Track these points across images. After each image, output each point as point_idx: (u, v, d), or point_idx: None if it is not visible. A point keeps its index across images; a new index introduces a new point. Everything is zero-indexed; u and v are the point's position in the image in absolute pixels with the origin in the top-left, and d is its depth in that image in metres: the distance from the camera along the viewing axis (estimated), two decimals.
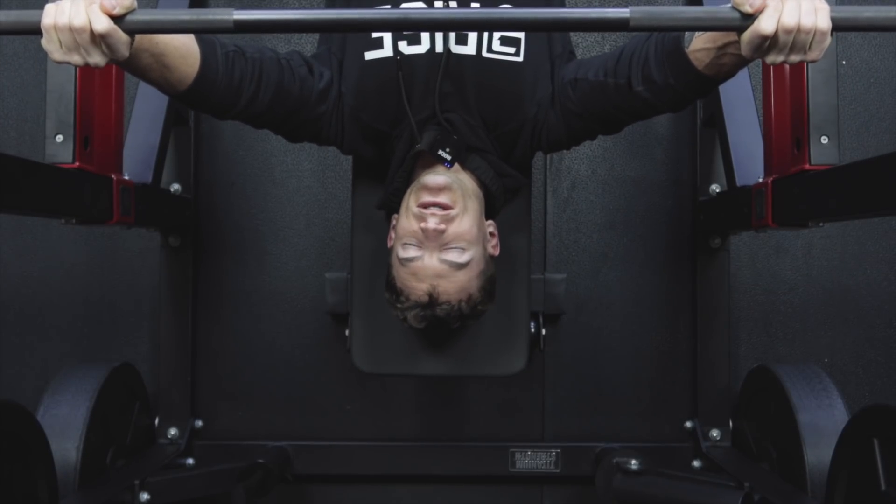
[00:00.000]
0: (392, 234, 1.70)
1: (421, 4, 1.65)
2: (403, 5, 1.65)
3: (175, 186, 2.35)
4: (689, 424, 2.37)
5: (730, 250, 2.33)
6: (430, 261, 1.59)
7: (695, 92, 1.53)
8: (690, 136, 2.41)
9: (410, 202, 1.62)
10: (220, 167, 2.45)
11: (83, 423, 1.95)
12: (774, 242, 2.43)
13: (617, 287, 2.44)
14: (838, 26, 1.26)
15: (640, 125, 2.37)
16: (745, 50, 1.27)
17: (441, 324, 1.65)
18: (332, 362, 2.41)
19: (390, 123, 1.69)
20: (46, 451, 1.76)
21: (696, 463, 2.32)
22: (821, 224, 1.71)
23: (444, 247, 1.59)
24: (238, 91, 1.55)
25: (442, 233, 1.57)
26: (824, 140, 1.68)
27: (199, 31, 1.39)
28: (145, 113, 2.12)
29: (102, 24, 1.22)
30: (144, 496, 1.94)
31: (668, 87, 1.51)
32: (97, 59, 1.26)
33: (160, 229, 2.30)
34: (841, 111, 1.71)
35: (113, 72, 1.84)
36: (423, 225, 1.57)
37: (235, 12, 1.24)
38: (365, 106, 1.67)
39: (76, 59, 1.26)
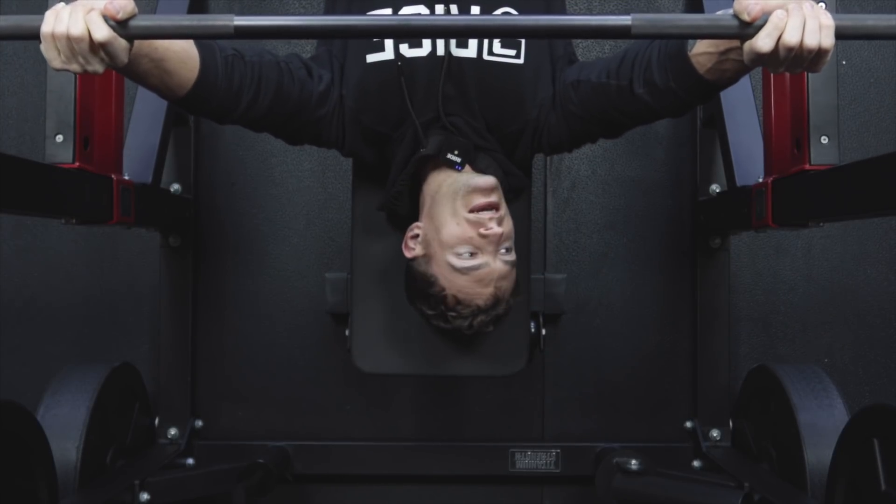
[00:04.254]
0: (411, 244, 1.66)
1: (422, 8, 1.65)
2: (404, 9, 1.64)
3: (175, 186, 2.35)
4: (689, 424, 2.37)
5: (730, 250, 2.33)
6: (496, 264, 1.59)
7: (696, 97, 1.51)
8: (690, 136, 2.41)
9: (458, 208, 1.59)
10: (220, 167, 2.45)
11: (83, 423, 1.95)
12: (774, 242, 2.43)
13: (617, 287, 2.44)
14: (842, 35, 1.24)
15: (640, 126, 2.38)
16: (746, 59, 1.27)
17: (494, 322, 1.65)
18: (332, 362, 2.41)
19: (391, 126, 1.68)
20: (46, 451, 1.76)
21: (696, 463, 2.32)
22: (821, 224, 1.71)
23: (499, 248, 1.60)
24: (238, 95, 1.54)
25: (501, 235, 1.58)
26: (824, 140, 1.68)
27: (199, 36, 1.40)
28: (145, 113, 2.12)
29: (102, 32, 1.20)
30: (144, 496, 1.94)
31: (669, 90, 1.49)
32: (96, 66, 1.24)
33: (160, 229, 2.30)
34: (841, 111, 1.71)
35: (113, 72, 1.84)
36: (483, 231, 1.56)
37: (236, 18, 1.23)
38: (366, 108, 1.67)
39: (75, 67, 1.24)
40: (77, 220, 1.72)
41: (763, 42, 1.20)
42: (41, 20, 1.22)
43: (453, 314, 1.61)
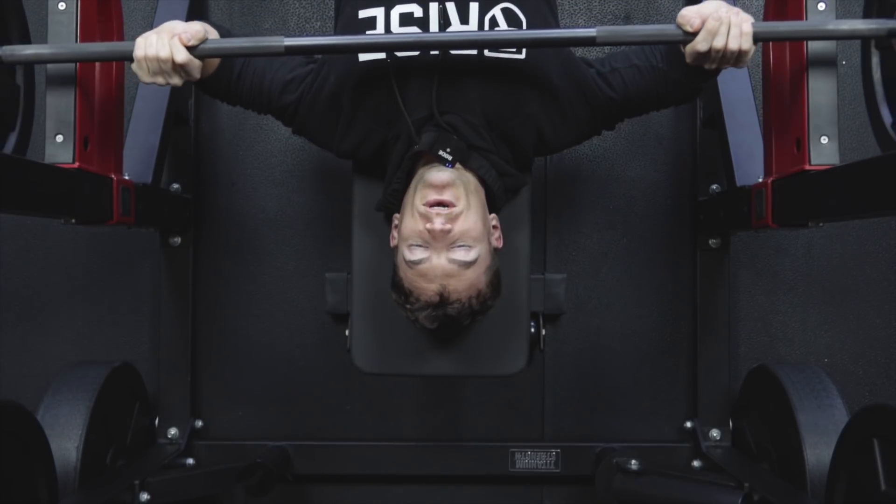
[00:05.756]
0: (394, 234, 1.70)
1: (415, 7, 1.65)
2: (397, 7, 1.65)
3: (175, 186, 2.35)
4: (689, 424, 2.37)
5: (730, 250, 2.34)
6: (439, 261, 1.59)
7: (697, 79, 1.67)
8: (690, 136, 2.41)
9: (415, 200, 1.61)
10: (220, 167, 2.45)
11: (83, 423, 1.96)
12: (774, 242, 2.43)
13: (617, 287, 2.44)
14: (760, 38, 1.54)
15: (640, 125, 2.39)
16: (688, 59, 1.57)
17: (453, 322, 1.65)
18: (332, 362, 2.41)
19: (386, 125, 1.69)
20: (46, 451, 1.76)
21: (696, 463, 2.32)
22: (821, 224, 1.71)
23: (450, 245, 1.59)
24: (237, 83, 1.73)
25: (448, 232, 1.58)
26: (824, 140, 1.68)
27: (255, 55, 1.67)
28: (145, 113, 2.12)
29: (182, 55, 1.54)
30: (144, 496, 1.94)
31: (678, 78, 1.67)
32: (176, 80, 1.57)
33: (160, 229, 2.30)
34: (841, 111, 1.71)
35: (113, 72, 1.85)
36: (429, 226, 1.57)
37: (286, 39, 1.56)
38: (360, 107, 1.68)
39: (160, 80, 1.57)
40: (77, 220, 1.72)
41: (701, 45, 1.52)
42: (133, 46, 1.55)
43: (409, 306, 1.65)
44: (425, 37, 1.62)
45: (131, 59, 1.56)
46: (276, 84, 1.71)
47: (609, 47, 2.28)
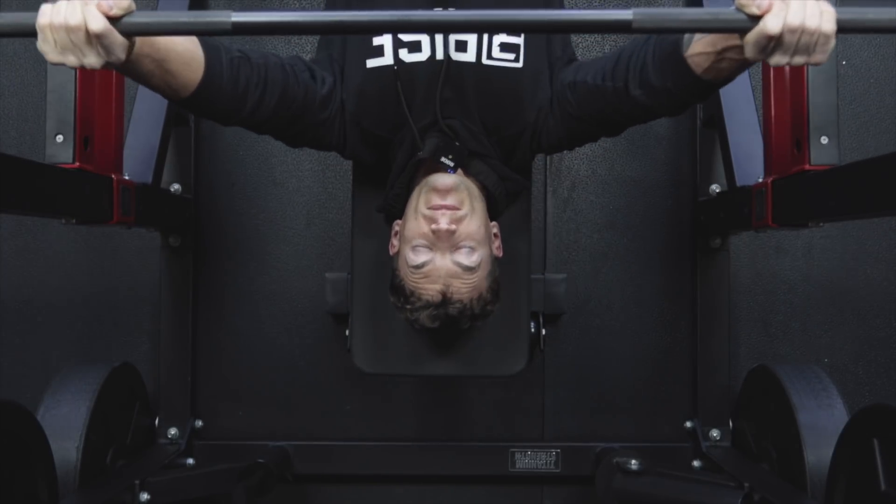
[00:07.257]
0: (394, 241, 1.70)
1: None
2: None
3: (175, 186, 2.35)
4: (689, 424, 2.37)
5: (730, 250, 2.33)
6: (443, 262, 1.60)
7: (693, 96, 1.51)
8: (690, 136, 2.41)
9: (419, 204, 1.62)
10: (220, 167, 2.45)
11: (83, 423, 1.95)
12: (774, 242, 2.43)
13: (617, 287, 2.44)
14: (843, 28, 1.23)
15: (639, 125, 2.38)
16: (749, 51, 1.24)
17: (453, 322, 1.65)
18: (332, 362, 2.41)
19: (391, 130, 1.69)
20: (46, 451, 1.76)
21: (696, 463, 2.32)
22: (821, 224, 1.71)
23: (454, 247, 1.60)
24: (243, 97, 1.53)
25: (453, 233, 1.58)
26: (824, 140, 1.68)
27: (196, 33, 1.38)
28: (145, 113, 2.12)
29: (98, 23, 1.20)
30: (144, 496, 1.94)
31: (665, 91, 1.49)
32: (92, 59, 1.23)
33: (160, 229, 2.30)
34: (841, 111, 1.71)
35: (113, 72, 1.84)
36: (434, 226, 1.58)
37: (234, 14, 1.21)
38: (366, 113, 1.68)
39: (72, 59, 1.23)
40: (77, 220, 1.72)
41: (772, 23, 1.19)
42: (37, 15, 1.22)
43: (409, 306, 1.64)
44: (405, 16, 1.29)
45: (34, 34, 1.22)
46: (315, 99, 1.61)
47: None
